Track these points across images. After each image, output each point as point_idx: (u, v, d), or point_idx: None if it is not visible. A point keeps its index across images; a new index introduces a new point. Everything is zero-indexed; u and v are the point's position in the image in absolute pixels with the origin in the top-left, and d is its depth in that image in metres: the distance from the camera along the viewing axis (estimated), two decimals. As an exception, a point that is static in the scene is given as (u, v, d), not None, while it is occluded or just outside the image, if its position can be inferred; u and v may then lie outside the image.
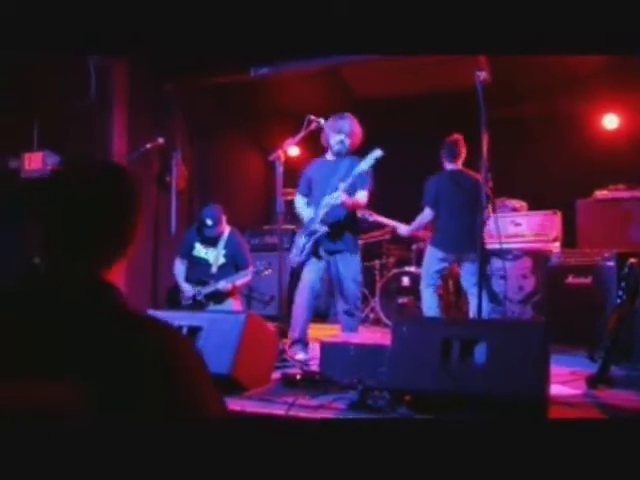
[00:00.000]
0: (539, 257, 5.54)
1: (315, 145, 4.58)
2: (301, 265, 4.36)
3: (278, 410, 2.74)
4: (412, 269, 6.41)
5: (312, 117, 4.34)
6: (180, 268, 5.03)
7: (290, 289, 4.67)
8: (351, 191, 4.24)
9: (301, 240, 4.34)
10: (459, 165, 4.93)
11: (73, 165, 1.22)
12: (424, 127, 7.21)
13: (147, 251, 6.14)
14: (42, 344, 1.01)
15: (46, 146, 5.46)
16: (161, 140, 5.11)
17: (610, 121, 7.24)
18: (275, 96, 7.03)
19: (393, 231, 6.72)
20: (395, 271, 6.58)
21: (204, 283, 4.84)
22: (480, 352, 2.65)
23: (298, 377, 3.30)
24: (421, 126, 7.37)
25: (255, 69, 6.04)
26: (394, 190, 6.36)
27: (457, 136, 4.93)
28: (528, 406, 2.50)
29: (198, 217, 5.17)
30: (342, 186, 4.13)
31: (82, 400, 0.95)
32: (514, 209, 6.16)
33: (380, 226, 6.23)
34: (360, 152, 4.33)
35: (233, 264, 4.93)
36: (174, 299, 4.97)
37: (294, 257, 4.39)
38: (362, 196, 4.30)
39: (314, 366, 3.73)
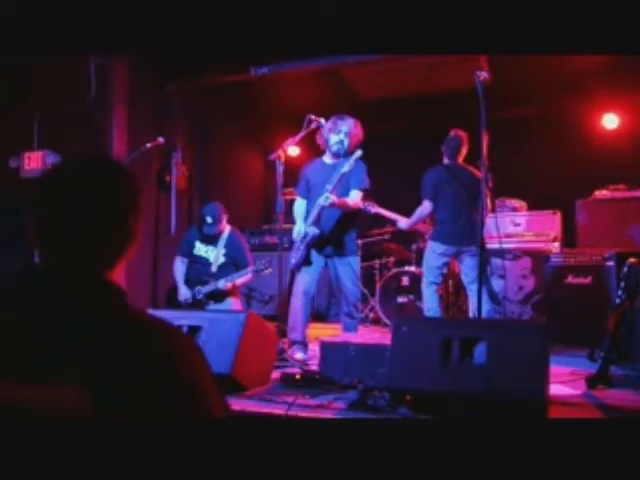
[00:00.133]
0: (539, 257, 5.53)
1: (315, 145, 4.57)
2: (297, 266, 4.37)
3: (278, 410, 2.74)
4: (412, 269, 6.41)
5: (312, 117, 4.33)
6: (180, 267, 5.03)
7: (290, 289, 4.67)
8: (344, 192, 4.23)
9: (297, 242, 4.35)
10: (458, 161, 4.93)
11: (73, 162, 1.21)
12: (424, 127, 7.21)
13: (147, 250, 6.15)
14: (42, 343, 1.01)
15: (46, 146, 5.46)
16: (161, 140, 5.10)
17: (610, 121, 7.25)
18: (275, 96, 7.02)
19: (393, 230, 6.74)
20: (395, 271, 6.58)
21: (204, 282, 4.84)
22: (480, 352, 2.66)
23: (298, 377, 3.30)
24: (421, 126, 7.38)
25: (255, 69, 6.04)
26: (394, 190, 6.37)
27: (460, 133, 4.89)
28: (528, 406, 2.50)
29: (199, 215, 5.17)
30: (329, 187, 4.12)
31: (83, 400, 0.95)
32: (514, 209, 6.16)
33: (380, 219, 6.22)
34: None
35: (233, 263, 4.93)
36: (174, 299, 4.97)
37: (292, 258, 4.40)
38: (355, 195, 4.27)
39: (314, 366, 3.73)
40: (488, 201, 4.38)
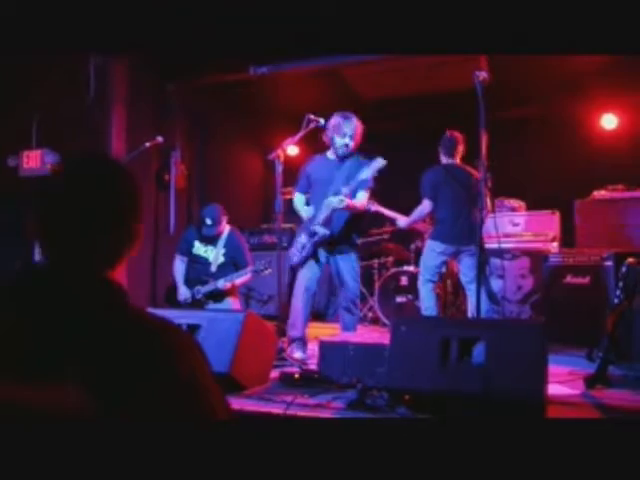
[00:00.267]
0: (537, 257, 5.54)
1: (314, 144, 4.57)
2: (300, 263, 4.37)
3: (277, 409, 2.74)
4: (411, 268, 6.41)
5: (311, 116, 4.33)
6: (180, 267, 5.03)
7: (290, 287, 4.67)
8: (353, 193, 4.25)
9: (301, 239, 4.34)
10: (456, 161, 4.94)
11: (74, 161, 1.22)
12: (424, 127, 7.21)
13: (146, 249, 6.14)
14: (42, 342, 1.01)
15: (45, 145, 5.46)
16: (160, 139, 5.10)
17: (609, 121, 7.25)
18: (275, 95, 7.02)
19: (392, 229, 6.75)
20: (394, 270, 6.58)
21: (204, 282, 4.85)
22: (479, 352, 2.66)
23: (297, 376, 3.30)
24: (421, 126, 7.37)
25: (255, 68, 6.03)
26: (394, 189, 6.36)
27: (455, 134, 4.94)
28: (526, 405, 2.50)
29: (198, 216, 5.17)
30: (345, 190, 4.14)
31: (84, 399, 0.95)
32: (513, 209, 6.17)
33: (379, 218, 6.22)
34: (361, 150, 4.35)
35: (232, 263, 4.93)
36: (173, 298, 4.97)
37: (293, 255, 4.40)
38: (362, 197, 4.32)
39: (313, 365, 3.73)
40: (488, 201, 4.39)
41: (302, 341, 4.29)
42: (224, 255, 4.94)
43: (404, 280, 6.44)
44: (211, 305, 4.85)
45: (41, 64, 5.22)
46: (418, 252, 6.15)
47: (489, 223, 4.94)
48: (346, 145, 4.30)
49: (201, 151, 7.34)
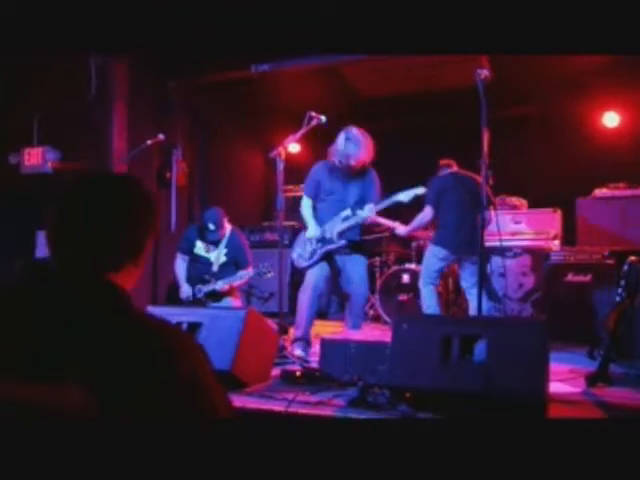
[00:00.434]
0: (539, 255, 5.54)
1: (315, 142, 4.56)
2: (307, 268, 4.37)
3: (278, 407, 2.74)
4: (412, 266, 6.41)
5: (313, 114, 4.32)
6: (182, 265, 5.04)
7: (291, 286, 4.66)
8: (360, 201, 4.30)
9: (310, 245, 4.33)
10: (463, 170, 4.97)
11: (93, 174, 1.26)
12: (424, 126, 7.21)
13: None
14: (43, 342, 1.01)
15: (46, 143, 5.46)
16: (161, 136, 5.10)
17: (610, 119, 7.23)
18: (276, 93, 7.01)
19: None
20: (395, 268, 6.58)
21: (205, 281, 4.86)
22: (480, 350, 2.66)
23: (298, 374, 3.31)
24: (421, 125, 7.36)
25: (256, 66, 6.03)
26: (394, 189, 6.35)
27: (449, 162, 5.06)
28: (528, 403, 2.50)
29: (200, 220, 5.16)
30: (374, 208, 4.21)
31: (84, 399, 0.95)
32: (514, 207, 6.15)
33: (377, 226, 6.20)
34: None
35: (234, 263, 4.94)
36: (174, 295, 4.98)
37: (299, 259, 4.39)
38: (371, 211, 4.30)
39: (314, 363, 3.74)
40: (492, 201, 4.38)
41: (305, 341, 4.26)
42: (226, 255, 4.94)
43: (405, 278, 6.44)
44: (212, 304, 4.85)
45: (42, 63, 5.22)
46: (419, 250, 6.15)
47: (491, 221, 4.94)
48: (349, 166, 4.29)
49: (202, 149, 7.33)
